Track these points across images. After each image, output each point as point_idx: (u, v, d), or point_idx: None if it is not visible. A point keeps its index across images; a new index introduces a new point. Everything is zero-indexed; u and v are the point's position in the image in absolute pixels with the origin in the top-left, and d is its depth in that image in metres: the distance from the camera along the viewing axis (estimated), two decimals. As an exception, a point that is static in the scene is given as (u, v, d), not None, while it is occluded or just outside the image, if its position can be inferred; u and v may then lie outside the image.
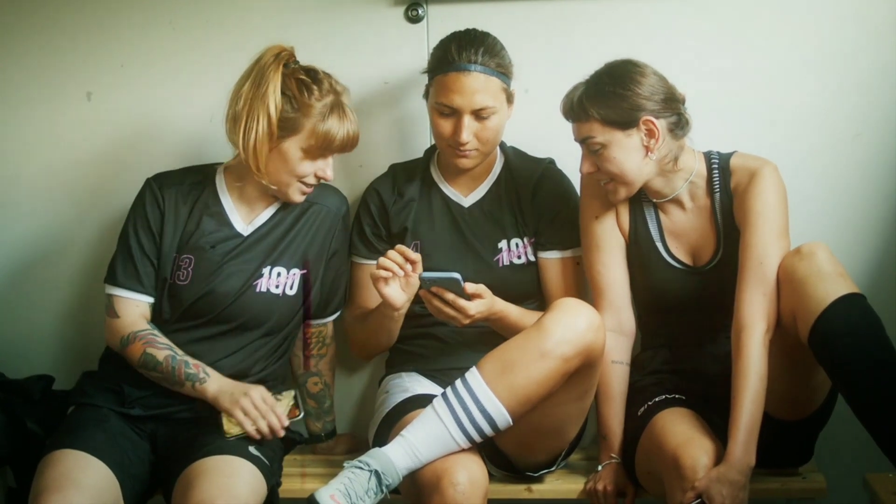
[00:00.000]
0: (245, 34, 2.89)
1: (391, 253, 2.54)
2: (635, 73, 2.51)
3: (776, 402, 2.48)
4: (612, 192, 2.59)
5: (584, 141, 2.55)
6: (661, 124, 2.50)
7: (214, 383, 2.55)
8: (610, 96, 2.49)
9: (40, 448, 2.53)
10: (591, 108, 2.50)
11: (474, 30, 2.71)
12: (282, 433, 2.55)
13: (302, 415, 2.65)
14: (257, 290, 2.65)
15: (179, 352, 2.57)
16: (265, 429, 2.52)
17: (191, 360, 2.56)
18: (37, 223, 3.07)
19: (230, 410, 2.53)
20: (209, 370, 2.57)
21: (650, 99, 2.49)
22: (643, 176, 2.56)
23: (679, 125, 2.54)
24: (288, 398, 2.62)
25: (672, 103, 2.52)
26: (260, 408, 2.53)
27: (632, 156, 2.52)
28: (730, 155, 2.62)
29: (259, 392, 2.55)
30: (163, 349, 2.56)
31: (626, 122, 2.49)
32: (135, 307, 2.62)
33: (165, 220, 2.63)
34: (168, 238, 2.63)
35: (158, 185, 2.66)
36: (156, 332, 2.60)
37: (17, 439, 2.68)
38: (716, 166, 2.60)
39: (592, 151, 2.54)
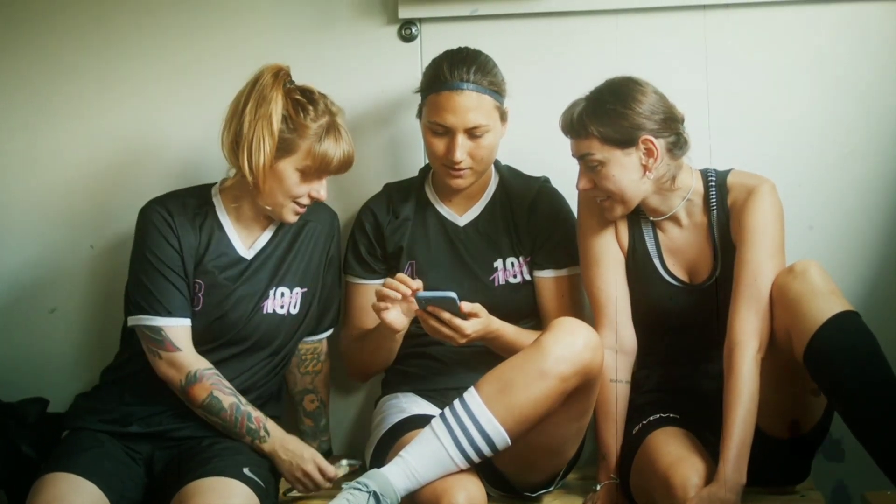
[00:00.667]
0: (238, 54, 2.89)
1: (391, 282, 2.53)
2: (636, 91, 2.51)
3: (772, 420, 2.48)
4: (608, 210, 2.59)
5: (582, 158, 2.55)
6: (660, 144, 2.51)
7: (271, 444, 2.57)
8: (610, 114, 2.49)
9: (34, 471, 2.51)
10: (590, 125, 2.50)
11: (466, 48, 2.71)
12: None
13: (358, 463, 2.67)
14: (264, 311, 2.65)
15: (242, 399, 2.57)
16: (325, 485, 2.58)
17: (252, 413, 2.57)
18: (31, 246, 3.05)
19: (286, 479, 2.58)
20: (269, 426, 2.58)
21: (650, 118, 2.49)
22: (640, 194, 2.56)
23: (678, 145, 2.54)
24: (344, 470, 2.62)
25: (672, 123, 2.52)
26: (317, 482, 2.57)
27: (630, 174, 2.52)
28: (727, 172, 2.62)
29: (313, 463, 2.57)
30: (228, 395, 2.56)
31: (625, 140, 2.49)
32: (187, 334, 2.59)
33: (183, 244, 2.61)
34: (188, 262, 2.61)
35: (164, 209, 2.63)
36: (218, 372, 2.58)
37: (12, 463, 2.66)
38: (713, 184, 2.60)
39: (590, 168, 2.54)
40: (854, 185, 2.90)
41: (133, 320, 2.59)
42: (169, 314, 2.57)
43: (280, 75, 2.56)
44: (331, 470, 2.57)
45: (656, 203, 2.60)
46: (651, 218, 2.64)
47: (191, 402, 2.56)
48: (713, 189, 2.60)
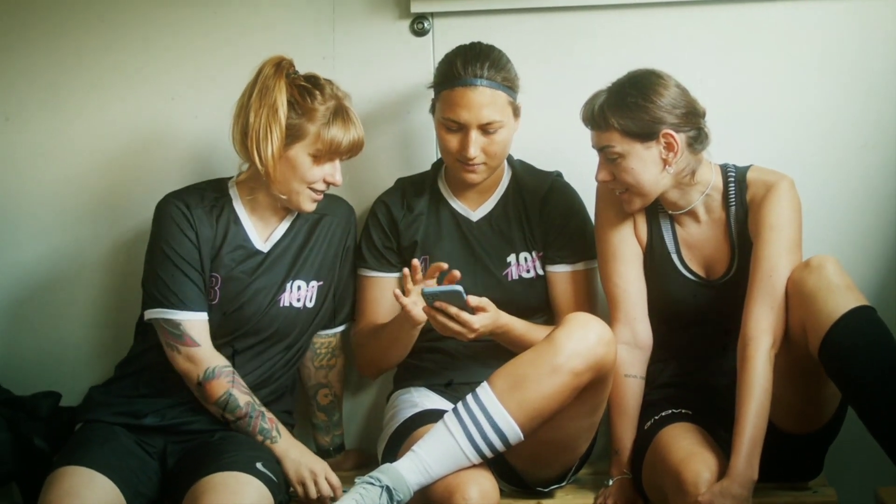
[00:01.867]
0: (250, 47, 2.87)
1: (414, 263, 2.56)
2: (658, 84, 2.50)
3: (786, 416, 2.48)
4: (626, 202, 2.58)
5: (602, 149, 2.54)
6: (680, 138, 2.50)
7: (283, 444, 2.57)
8: (631, 107, 2.48)
9: (47, 465, 2.52)
10: (611, 117, 2.49)
11: (479, 43, 2.71)
12: None
13: None
14: (281, 304, 2.66)
15: (256, 399, 2.58)
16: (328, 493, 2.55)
17: (266, 413, 2.58)
18: (45, 240, 3.05)
19: (291, 481, 2.56)
20: (281, 428, 2.59)
21: (671, 112, 2.48)
22: (659, 188, 2.55)
23: (698, 139, 2.53)
24: None
25: (693, 117, 2.51)
26: (321, 487, 2.56)
27: (649, 168, 2.52)
28: (746, 168, 2.61)
29: (323, 467, 2.57)
30: (245, 394, 2.57)
31: (646, 134, 2.48)
32: (205, 329, 2.60)
33: (200, 239, 2.61)
34: (204, 256, 2.62)
35: (183, 203, 2.63)
36: (234, 370, 2.59)
37: (24, 456, 2.66)
38: (732, 179, 2.60)
39: (610, 160, 2.53)
40: (866, 178, 2.89)
41: (151, 313, 2.59)
42: (187, 308, 2.57)
43: (282, 65, 2.58)
44: (337, 482, 2.57)
45: (675, 197, 2.59)
46: (669, 212, 2.63)
47: (206, 398, 2.56)
48: (732, 184, 2.59)
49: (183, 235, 2.60)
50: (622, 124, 2.48)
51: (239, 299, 2.62)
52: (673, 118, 2.49)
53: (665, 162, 2.51)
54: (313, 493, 2.55)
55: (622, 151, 2.50)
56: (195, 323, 2.58)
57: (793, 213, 2.51)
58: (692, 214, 2.62)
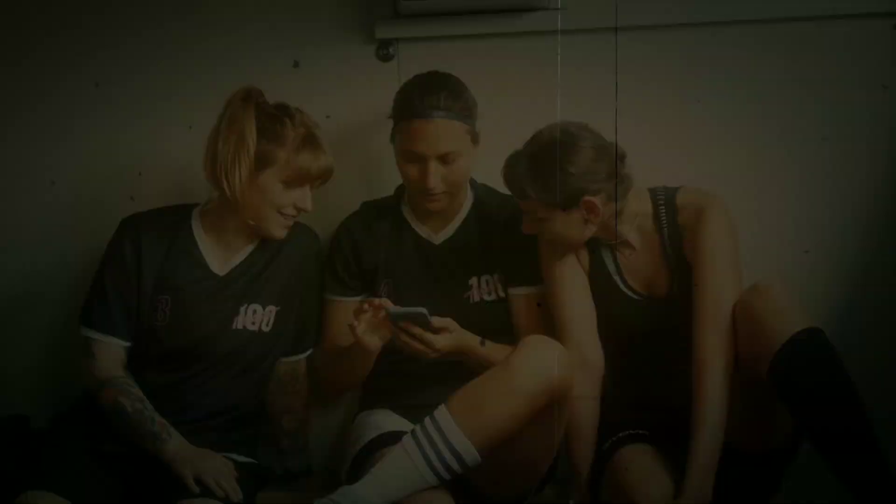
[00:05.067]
0: (218, 70, 2.94)
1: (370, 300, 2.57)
2: (573, 152, 2.51)
3: (741, 435, 2.50)
4: (559, 249, 2.64)
5: (525, 212, 2.59)
6: (600, 199, 2.53)
7: (174, 445, 2.56)
8: (549, 180, 2.51)
9: (14, 489, 2.52)
10: (530, 190, 2.53)
11: (436, 73, 2.72)
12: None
13: None
14: (233, 327, 2.68)
15: (149, 407, 2.59)
16: (221, 494, 2.52)
17: (157, 418, 2.58)
18: (16, 261, 3.08)
19: (184, 478, 2.51)
20: (172, 431, 2.58)
21: (590, 181, 2.51)
22: (586, 237, 2.60)
23: (620, 188, 2.56)
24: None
25: (611, 176, 2.54)
26: (224, 488, 2.52)
27: (572, 228, 2.57)
28: (675, 190, 2.64)
29: (215, 463, 2.55)
30: (134, 401, 2.59)
31: (566, 204, 2.53)
32: (111, 351, 2.65)
33: (142, 263, 2.66)
34: (146, 280, 2.66)
35: (134, 226, 2.69)
36: (130, 381, 2.62)
37: (-7, 480, 2.70)
38: (661, 203, 2.63)
39: (534, 220, 2.58)
40: (827, 171, 2.90)
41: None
42: (94, 327, 2.65)
43: (251, 94, 2.61)
44: (229, 486, 2.53)
45: (606, 235, 2.63)
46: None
47: (101, 407, 2.60)
48: (662, 208, 2.62)
49: (122, 260, 2.66)
50: (542, 197, 2.52)
51: (189, 320, 2.65)
52: (592, 184, 2.52)
53: (588, 220, 2.56)
54: (214, 488, 2.51)
55: (543, 217, 2.55)
56: (101, 343, 2.64)
57: (728, 235, 2.54)
58: (626, 243, 2.65)
